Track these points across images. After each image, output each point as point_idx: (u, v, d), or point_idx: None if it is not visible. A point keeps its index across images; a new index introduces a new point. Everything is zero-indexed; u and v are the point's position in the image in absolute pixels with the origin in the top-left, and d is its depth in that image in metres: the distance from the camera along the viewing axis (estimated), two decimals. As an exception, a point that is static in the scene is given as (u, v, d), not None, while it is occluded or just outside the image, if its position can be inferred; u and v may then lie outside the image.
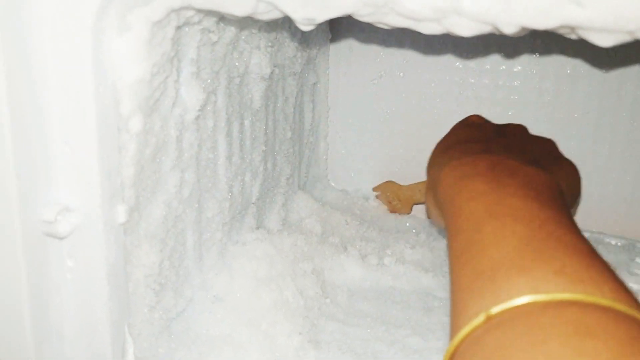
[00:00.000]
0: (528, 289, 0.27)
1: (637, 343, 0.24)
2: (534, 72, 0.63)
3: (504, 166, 0.36)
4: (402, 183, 0.69)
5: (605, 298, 0.26)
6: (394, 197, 0.68)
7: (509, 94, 0.65)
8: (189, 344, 0.42)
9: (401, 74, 0.67)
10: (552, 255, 0.29)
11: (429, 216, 0.45)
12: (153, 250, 0.39)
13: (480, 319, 0.27)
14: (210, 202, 0.46)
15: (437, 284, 0.53)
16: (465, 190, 0.35)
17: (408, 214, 0.68)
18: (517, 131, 0.47)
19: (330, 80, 0.69)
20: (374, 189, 0.69)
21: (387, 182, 0.69)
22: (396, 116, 0.69)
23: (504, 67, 0.65)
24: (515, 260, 0.29)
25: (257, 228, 0.55)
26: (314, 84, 0.65)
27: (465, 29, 0.31)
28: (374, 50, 0.67)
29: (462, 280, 0.31)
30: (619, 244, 0.61)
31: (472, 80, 0.66)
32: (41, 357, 0.35)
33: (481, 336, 0.27)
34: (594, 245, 0.57)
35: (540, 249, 0.29)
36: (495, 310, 0.27)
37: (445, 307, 0.51)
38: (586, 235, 0.58)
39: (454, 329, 0.29)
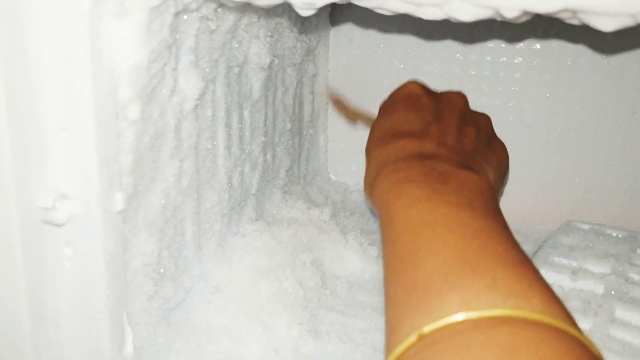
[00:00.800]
0: (460, 306, 0.27)
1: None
2: (535, 63, 0.63)
3: (438, 171, 0.37)
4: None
5: (534, 312, 0.27)
6: (341, 109, 0.69)
7: (509, 86, 0.65)
8: (188, 334, 0.42)
9: (401, 66, 0.67)
10: (484, 268, 0.29)
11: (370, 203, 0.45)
12: (152, 240, 0.38)
13: (412, 338, 0.28)
14: (209, 192, 0.46)
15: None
16: (401, 198, 0.35)
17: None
18: (455, 105, 0.45)
19: (330, 71, 0.68)
20: (331, 95, 0.69)
21: (338, 98, 0.69)
22: (396, 108, 0.68)
23: (504, 58, 0.64)
24: (448, 275, 0.29)
25: (257, 219, 0.54)
26: (314, 75, 0.65)
27: (467, 14, 0.31)
28: (374, 42, 0.67)
29: (397, 295, 0.31)
30: (619, 235, 0.60)
31: (473, 72, 0.66)
32: (38, 346, 0.35)
33: (414, 356, 0.27)
34: (595, 237, 0.57)
35: (472, 261, 0.30)
36: (427, 329, 0.27)
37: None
38: (586, 227, 0.58)
39: (388, 347, 0.30)
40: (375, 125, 0.46)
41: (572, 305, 0.46)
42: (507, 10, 0.30)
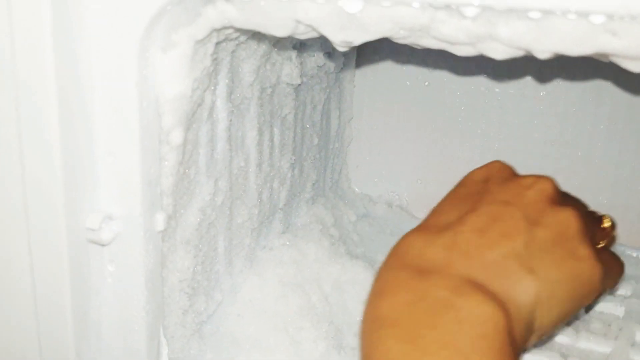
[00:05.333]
0: None
1: None
2: (560, 82, 0.64)
3: (430, 301, 0.27)
4: (424, 189, 0.70)
5: None
6: None
7: (534, 104, 0.65)
8: (218, 346, 0.44)
9: (426, 83, 0.68)
10: None
11: None
12: (188, 256, 0.40)
13: None
14: (241, 208, 0.48)
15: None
16: (375, 354, 0.27)
17: None
18: (529, 192, 0.33)
19: (357, 86, 0.70)
20: None
21: None
22: (420, 124, 0.69)
23: (529, 76, 0.65)
24: None
25: (283, 233, 0.56)
26: (341, 90, 0.66)
27: (499, 53, 0.32)
28: (400, 58, 0.68)
29: None
30: (640, 256, 0.61)
31: (497, 90, 0.66)
32: (81, 356, 0.37)
33: None
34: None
35: None
36: None
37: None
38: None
39: None
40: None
41: (593, 327, 0.47)
42: (539, 53, 0.31)
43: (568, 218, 0.32)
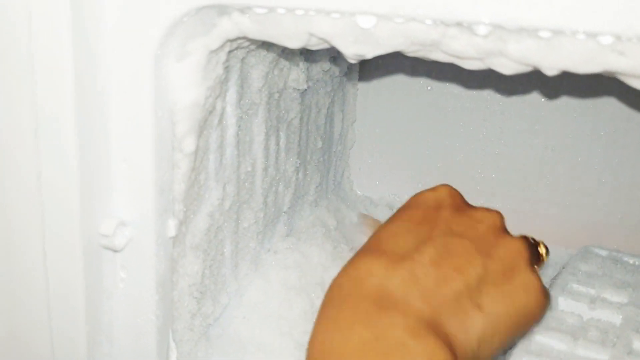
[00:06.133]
0: None
1: None
2: (562, 89, 0.65)
3: (385, 344, 0.27)
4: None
5: None
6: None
7: (535, 110, 0.66)
8: (225, 349, 0.45)
9: (429, 87, 0.69)
10: None
11: None
12: (197, 261, 0.41)
13: None
14: (247, 212, 0.48)
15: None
16: None
17: None
18: (478, 224, 0.34)
19: (360, 89, 0.70)
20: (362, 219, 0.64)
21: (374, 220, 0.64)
22: (422, 127, 0.70)
23: (532, 83, 0.66)
24: None
25: (287, 235, 0.57)
26: (345, 94, 0.67)
27: (507, 69, 0.33)
28: (403, 63, 0.69)
29: None
30: (636, 263, 0.62)
31: (499, 95, 0.67)
32: (93, 359, 0.37)
33: None
34: (613, 264, 0.58)
35: None
36: None
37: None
38: (604, 253, 0.60)
39: None
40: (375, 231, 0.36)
41: (590, 335, 0.47)
42: (547, 70, 0.31)
43: (519, 248, 0.34)
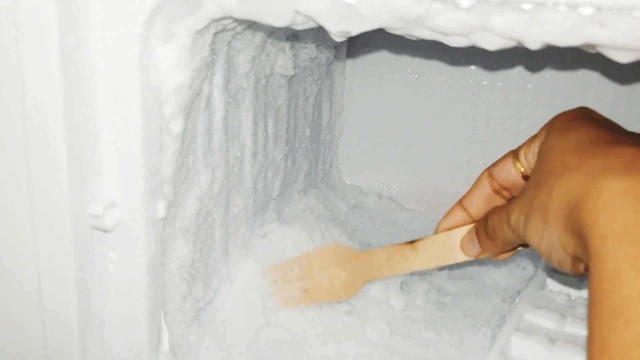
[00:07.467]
0: None
1: None
2: (547, 75, 0.65)
3: None
4: (413, 180, 0.72)
5: None
6: (334, 275, 0.46)
7: (521, 97, 0.67)
8: (216, 332, 0.45)
9: (416, 76, 0.69)
10: None
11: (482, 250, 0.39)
12: (187, 244, 0.41)
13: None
14: (237, 198, 0.48)
15: (450, 282, 0.56)
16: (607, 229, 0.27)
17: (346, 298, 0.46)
18: None
19: (347, 78, 0.71)
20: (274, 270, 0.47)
21: (330, 247, 0.47)
22: (410, 116, 0.71)
23: (517, 69, 0.66)
24: None
25: (276, 221, 0.57)
26: (332, 82, 0.67)
27: (492, 44, 0.33)
28: (391, 51, 0.69)
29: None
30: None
31: (486, 83, 0.68)
32: (84, 341, 0.37)
33: None
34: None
35: None
36: None
37: (456, 303, 0.53)
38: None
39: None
40: (559, 141, 0.36)
41: (578, 312, 0.48)
42: (530, 44, 0.32)
43: None
